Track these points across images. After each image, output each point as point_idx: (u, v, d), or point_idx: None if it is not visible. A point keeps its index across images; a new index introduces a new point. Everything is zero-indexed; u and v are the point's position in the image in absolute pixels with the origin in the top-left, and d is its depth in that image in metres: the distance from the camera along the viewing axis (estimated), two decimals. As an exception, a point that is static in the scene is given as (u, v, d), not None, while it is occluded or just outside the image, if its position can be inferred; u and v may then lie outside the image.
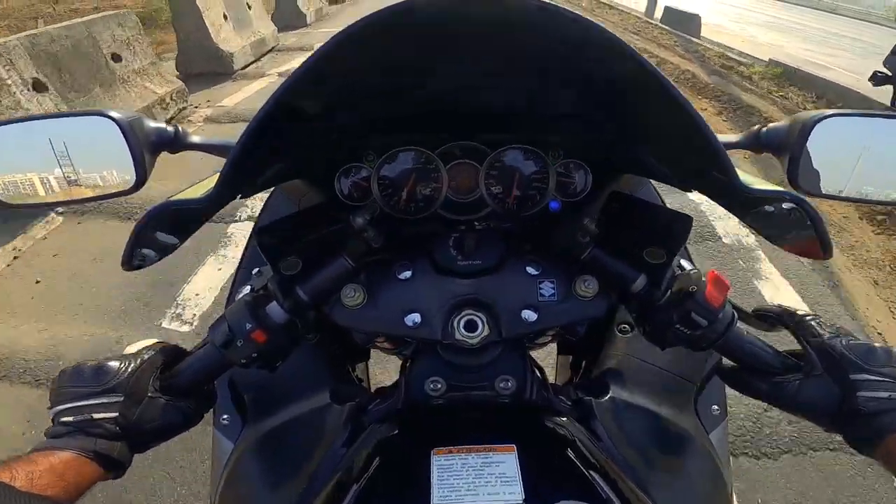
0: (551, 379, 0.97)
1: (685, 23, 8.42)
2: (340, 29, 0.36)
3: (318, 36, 7.69)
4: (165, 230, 0.46)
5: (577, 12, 0.36)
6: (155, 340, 0.55)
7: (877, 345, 0.52)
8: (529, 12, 0.36)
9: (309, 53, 0.37)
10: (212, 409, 0.67)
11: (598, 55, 0.39)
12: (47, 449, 0.43)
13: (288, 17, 8.69)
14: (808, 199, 0.54)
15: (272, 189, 0.74)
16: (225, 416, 0.66)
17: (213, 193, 0.42)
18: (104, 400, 0.46)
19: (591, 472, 0.47)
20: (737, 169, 0.42)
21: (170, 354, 0.53)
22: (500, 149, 0.62)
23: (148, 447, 0.50)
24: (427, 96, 0.54)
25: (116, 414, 0.46)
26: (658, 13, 9.64)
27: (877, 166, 0.59)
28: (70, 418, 0.45)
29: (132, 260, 0.45)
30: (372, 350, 0.87)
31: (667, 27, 8.54)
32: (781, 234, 0.47)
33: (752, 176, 0.45)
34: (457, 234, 0.58)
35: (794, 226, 0.45)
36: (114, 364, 0.49)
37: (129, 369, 0.48)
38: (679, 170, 0.52)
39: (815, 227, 0.43)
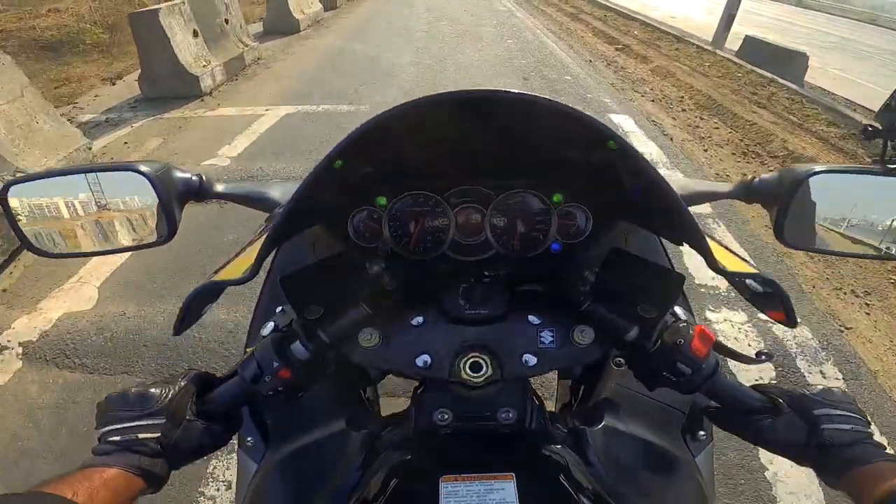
0: (551, 401, 1.03)
1: (782, 63, 5.68)
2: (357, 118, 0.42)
3: (301, 50, 7.16)
4: (207, 301, 0.52)
5: (561, 102, 0.42)
6: (189, 368, 0.61)
7: (834, 388, 0.58)
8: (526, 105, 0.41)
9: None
10: (238, 433, 0.74)
11: (583, 137, 0.44)
12: (97, 466, 0.48)
13: (279, 24, 8.18)
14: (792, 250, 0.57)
15: None
16: (249, 439, 0.72)
17: (250, 273, 0.47)
18: (148, 422, 0.52)
19: (583, 498, 0.52)
20: (709, 237, 0.46)
21: (203, 380, 0.59)
22: (504, 193, 0.66)
23: (183, 464, 0.55)
24: (439, 153, 0.58)
25: (159, 434, 0.52)
26: (731, 42, 6.86)
27: (865, 221, 0.62)
28: (117, 438, 0.51)
29: (182, 329, 0.51)
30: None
31: (755, 68, 5.79)
32: (756, 301, 0.51)
33: (723, 249, 0.50)
34: (466, 284, 0.62)
35: (764, 296, 0.49)
36: (155, 391, 0.55)
37: (170, 395, 0.54)
38: (668, 231, 0.55)
39: (783, 304, 0.47)
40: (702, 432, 0.74)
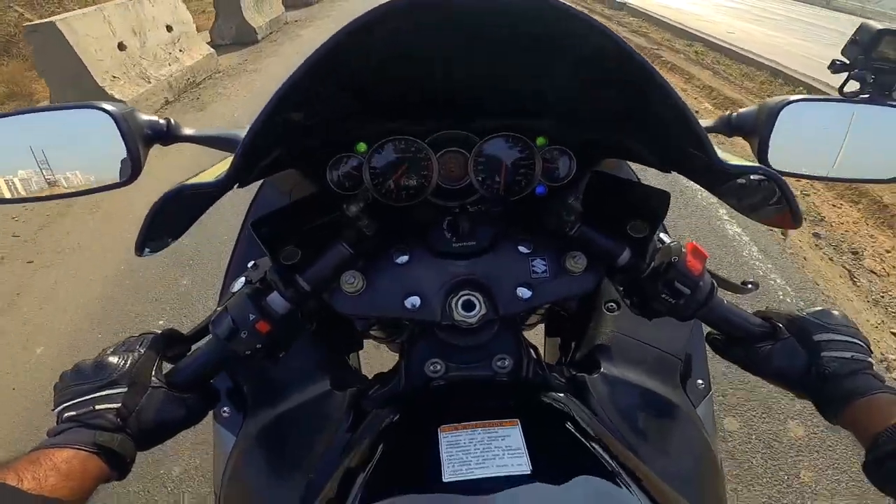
0: None
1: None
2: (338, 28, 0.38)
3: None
4: (176, 215, 0.47)
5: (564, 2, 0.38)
6: (149, 331, 0.55)
7: (834, 310, 0.57)
8: (519, 4, 0.38)
9: None
10: None
11: (586, 44, 0.42)
12: (47, 447, 0.42)
13: (229, 33, 6.96)
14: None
15: (261, 182, 0.74)
16: (225, 409, 0.66)
17: (225, 178, 0.43)
18: (107, 392, 0.46)
19: (590, 443, 0.49)
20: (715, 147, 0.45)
21: (169, 340, 0.53)
22: (487, 137, 0.64)
23: (151, 443, 0.49)
24: (423, 86, 0.56)
25: (119, 405, 0.45)
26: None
27: (837, 147, 0.64)
28: (72, 413, 0.45)
29: (144, 247, 0.46)
30: (365, 340, 0.88)
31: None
32: (755, 206, 0.50)
33: (727, 153, 0.49)
34: (450, 217, 0.59)
35: (767, 198, 0.48)
36: (113, 358, 0.48)
37: (130, 360, 0.48)
38: (660, 151, 0.55)
39: (786, 198, 0.46)
40: (700, 381, 0.72)
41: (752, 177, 0.47)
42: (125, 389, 0.46)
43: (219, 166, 0.47)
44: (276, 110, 0.42)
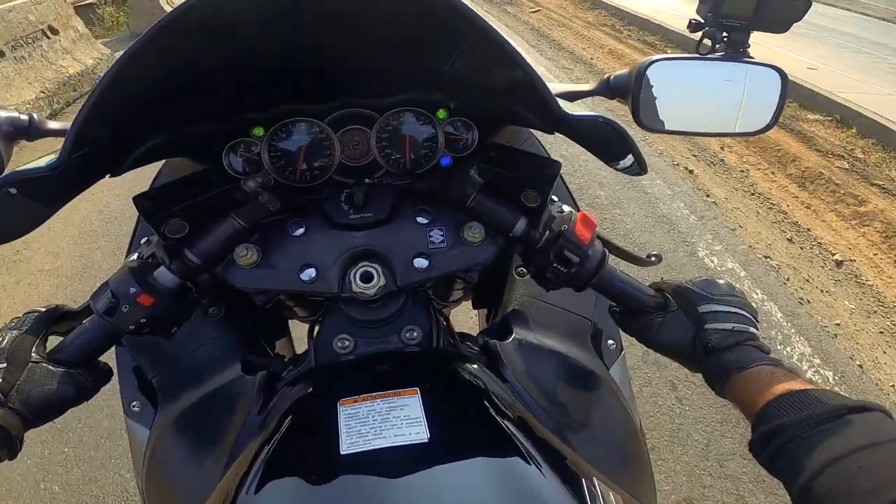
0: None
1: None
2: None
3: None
4: (30, 197, 0.44)
5: None
6: (39, 308, 0.53)
7: (719, 280, 0.59)
8: None
9: None
10: (121, 399, 0.65)
11: (450, 23, 0.43)
12: None
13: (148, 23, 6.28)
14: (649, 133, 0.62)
15: (159, 169, 0.72)
16: (134, 404, 0.64)
17: (58, 162, 0.41)
18: None
19: (495, 412, 0.50)
20: (560, 102, 0.48)
21: (55, 317, 0.52)
22: (388, 112, 0.65)
23: (39, 420, 0.48)
24: (302, 66, 0.55)
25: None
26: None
27: (701, 104, 0.70)
28: None
29: None
30: (291, 324, 0.87)
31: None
32: (610, 156, 0.54)
33: (580, 107, 0.52)
34: (348, 189, 0.60)
35: (617, 147, 0.52)
36: None
37: (9, 337, 0.47)
38: (537, 113, 0.58)
39: (628, 146, 0.50)
40: (610, 341, 0.75)
41: (601, 126, 0.50)
42: (4, 366, 0.45)
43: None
44: (102, 97, 0.39)
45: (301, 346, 0.87)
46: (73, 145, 0.41)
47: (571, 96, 0.69)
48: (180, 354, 0.62)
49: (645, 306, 0.60)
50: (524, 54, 0.45)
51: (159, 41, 0.38)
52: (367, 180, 0.61)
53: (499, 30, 0.43)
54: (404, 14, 0.46)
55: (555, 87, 0.72)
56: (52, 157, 0.42)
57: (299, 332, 0.92)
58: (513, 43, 0.43)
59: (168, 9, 5.78)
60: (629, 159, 0.53)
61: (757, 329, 0.55)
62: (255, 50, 0.49)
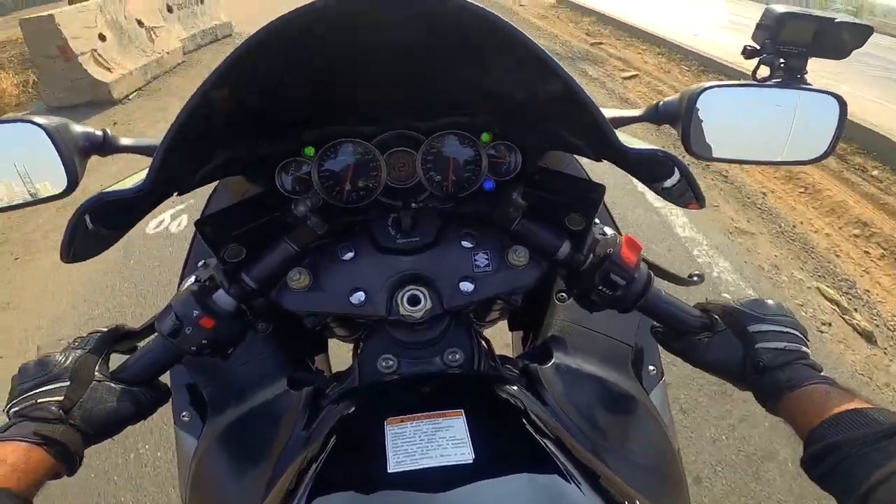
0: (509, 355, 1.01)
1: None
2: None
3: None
4: (101, 223, 0.47)
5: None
6: (101, 328, 0.55)
7: (768, 300, 0.58)
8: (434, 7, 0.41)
9: None
10: (172, 408, 0.67)
11: (493, 39, 0.44)
12: None
13: (67, 91, 4.60)
14: (701, 161, 0.61)
15: (214, 187, 0.75)
16: (184, 414, 0.67)
17: (144, 185, 0.44)
18: (49, 387, 0.47)
19: (538, 434, 0.50)
20: (618, 132, 0.48)
21: (117, 337, 0.54)
22: (433, 135, 0.66)
23: (99, 437, 0.49)
24: (354, 90, 0.57)
25: (61, 397, 0.46)
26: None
27: (755, 131, 0.68)
28: (17, 408, 0.46)
29: (70, 253, 0.46)
30: (330, 341, 0.89)
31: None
32: (667, 190, 0.53)
33: (635, 140, 0.52)
34: (395, 213, 0.61)
35: (674, 181, 0.51)
36: (57, 356, 0.50)
37: (72, 357, 0.49)
38: (587, 140, 0.58)
39: (686, 180, 0.49)
40: (651, 367, 0.74)
41: (659, 158, 0.50)
42: (67, 383, 0.47)
43: (141, 172, 0.47)
44: (189, 118, 0.42)
45: (337, 361, 0.89)
46: (161, 165, 0.43)
47: (619, 122, 0.69)
48: (229, 369, 0.64)
49: (690, 327, 0.60)
50: (578, 80, 0.45)
51: (244, 63, 0.41)
52: (413, 204, 0.62)
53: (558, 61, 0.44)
54: (454, 38, 0.47)
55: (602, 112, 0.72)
56: (137, 179, 0.44)
57: (336, 347, 0.94)
58: (567, 70, 0.43)
59: (94, 69, 4.56)
60: (673, 179, 0.52)
61: (808, 348, 0.55)
62: (321, 73, 0.51)
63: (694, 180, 0.51)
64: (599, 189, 0.58)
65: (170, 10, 6.53)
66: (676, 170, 0.50)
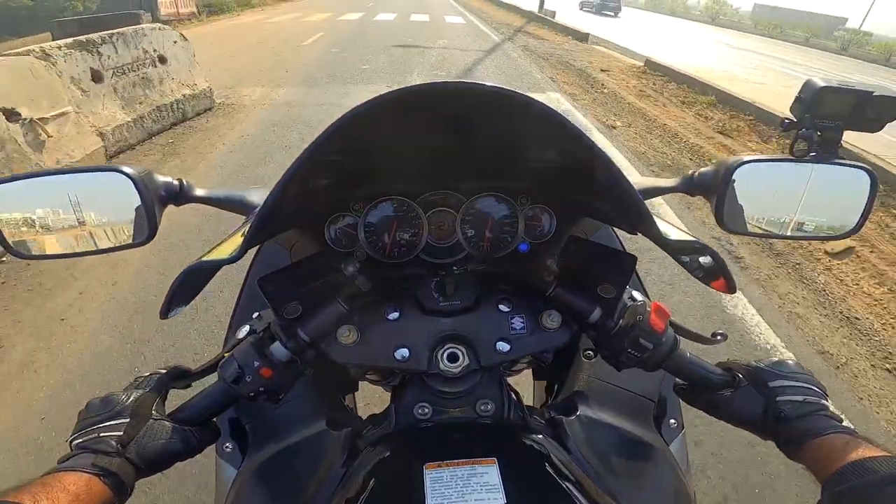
0: (528, 402, 1.06)
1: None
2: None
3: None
4: (193, 282, 0.53)
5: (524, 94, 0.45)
6: (160, 369, 0.60)
7: (788, 360, 0.62)
8: (488, 96, 0.45)
9: None
10: None
11: (546, 130, 0.49)
12: (57, 471, 0.47)
13: None
14: (732, 235, 0.64)
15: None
16: (227, 445, 0.71)
17: (238, 254, 0.49)
18: (110, 422, 0.51)
19: (565, 482, 0.54)
20: (658, 219, 0.52)
21: (174, 376, 0.58)
22: (474, 196, 0.70)
23: (151, 471, 0.53)
24: (402, 155, 0.62)
25: (120, 433, 0.51)
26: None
27: (790, 206, 0.70)
28: (80, 440, 0.50)
29: (169, 312, 0.52)
30: (360, 382, 0.94)
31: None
32: (698, 271, 0.57)
33: (672, 227, 0.55)
34: (437, 278, 0.66)
35: (708, 265, 0.55)
36: (120, 394, 0.54)
37: (133, 396, 0.54)
38: (624, 218, 0.61)
39: (720, 269, 0.52)
40: (672, 420, 0.77)
41: (696, 249, 0.53)
42: (127, 420, 0.52)
43: (230, 242, 0.53)
44: (286, 186, 0.48)
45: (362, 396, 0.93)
46: (254, 236, 0.48)
47: (654, 191, 0.72)
48: (271, 406, 0.69)
49: (713, 384, 0.63)
50: (621, 168, 0.49)
51: (327, 144, 0.46)
52: (455, 270, 0.67)
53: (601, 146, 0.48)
54: (498, 117, 0.51)
55: (633, 179, 0.75)
56: (233, 250, 0.50)
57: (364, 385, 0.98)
58: (635, 189, 0.47)
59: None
60: (706, 261, 0.56)
61: (828, 401, 0.58)
62: (377, 143, 0.55)
63: (727, 269, 0.54)
64: (631, 260, 0.62)
65: (97, 78, 4.18)
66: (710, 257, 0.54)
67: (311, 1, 22.64)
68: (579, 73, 8.42)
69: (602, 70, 8.63)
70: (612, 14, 33.04)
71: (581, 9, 35.01)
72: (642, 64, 9.17)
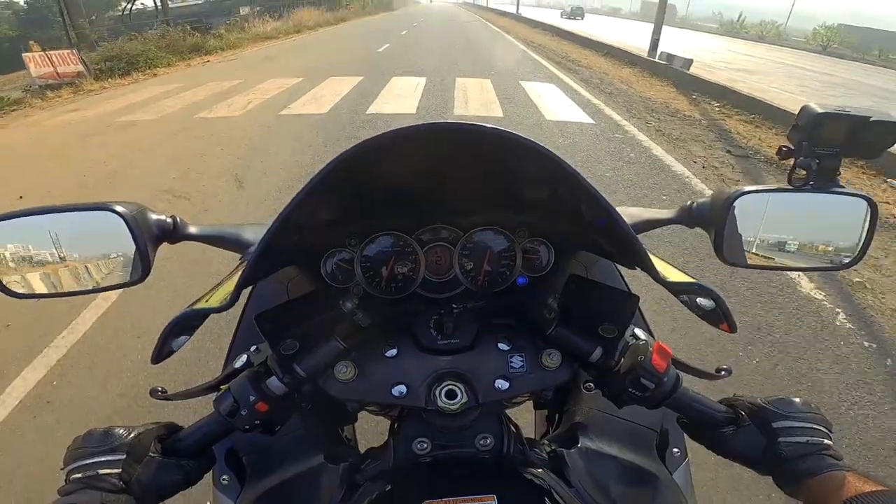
0: (529, 432, 1.05)
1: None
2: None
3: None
4: (185, 331, 0.53)
5: (527, 137, 0.45)
6: (155, 422, 0.60)
7: (795, 398, 0.61)
8: (488, 138, 0.45)
9: None
10: (212, 471, 0.71)
11: (542, 169, 0.48)
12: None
13: None
14: (732, 267, 0.64)
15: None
16: (224, 477, 0.70)
17: (230, 302, 0.49)
18: (109, 458, 0.51)
19: None
20: (656, 258, 0.51)
21: (170, 428, 0.59)
22: (471, 231, 0.70)
23: (153, 502, 0.54)
24: (398, 190, 0.62)
25: (120, 470, 0.51)
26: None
27: (789, 237, 0.69)
28: (79, 475, 0.50)
29: (160, 358, 0.52)
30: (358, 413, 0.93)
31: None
32: (697, 310, 0.56)
33: (670, 267, 0.55)
34: (436, 316, 0.65)
35: (708, 306, 0.54)
36: (120, 429, 0.54)
37: (133, 433, 0.54)
38: (617, 250, 0.61)
39: (720, 310, 0.52)
40: (675, 449, 0.76)
41: (696, 291, 0.53)
42: (124, 456, 0.52)
43: (223, 288, 0.52)
44: (275, 235, 0.47)
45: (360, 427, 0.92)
46: (244, 283, 0.48)
47: (652, 224, 0.71)
48: (269, 438, 0.69)
49: (716, 421, 0.62)
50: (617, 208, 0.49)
51: (325, 183, 0.46)
52: (454, 308, 0.66)
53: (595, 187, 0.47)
54: (494, 156, 0.51)
55: (631, 212, 0.75)
56: (224, 298, 0.50)
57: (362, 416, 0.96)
58: (629, 226, 0.47)
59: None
60: (707, 303, 0.56)
61: (831, 440, 0.57)
62: (374, 180, 0.55)
63: (728, 310, 0.54)
64: (633, 300, 0.61)
65: None
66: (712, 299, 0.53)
67: (283, 47, 14.42)
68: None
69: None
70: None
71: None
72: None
